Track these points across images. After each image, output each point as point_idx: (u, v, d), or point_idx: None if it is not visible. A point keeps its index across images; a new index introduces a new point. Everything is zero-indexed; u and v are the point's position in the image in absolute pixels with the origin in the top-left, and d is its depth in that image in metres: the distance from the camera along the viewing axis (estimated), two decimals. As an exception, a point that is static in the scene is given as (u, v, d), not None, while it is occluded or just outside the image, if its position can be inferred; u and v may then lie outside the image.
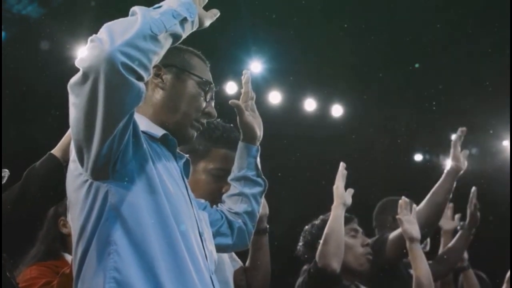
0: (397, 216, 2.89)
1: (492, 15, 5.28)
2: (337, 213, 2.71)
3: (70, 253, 2.43)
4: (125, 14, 1.50)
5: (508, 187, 4.24)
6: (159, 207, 1.56)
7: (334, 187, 2.77)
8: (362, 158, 5.97)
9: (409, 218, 2.85)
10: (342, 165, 2.81)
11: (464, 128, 3.17)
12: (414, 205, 2.98)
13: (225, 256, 2.30)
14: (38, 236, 2.46)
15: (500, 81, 5.08)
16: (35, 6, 5.56)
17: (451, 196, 3.17)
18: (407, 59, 5.89)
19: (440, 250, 3.64)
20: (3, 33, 5.46)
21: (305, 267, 3.66)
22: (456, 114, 5.54)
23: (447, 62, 5.73)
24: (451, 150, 3.16)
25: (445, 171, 3.18)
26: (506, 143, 6.16)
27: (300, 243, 3.05)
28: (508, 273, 3.38)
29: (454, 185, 3.15)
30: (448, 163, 3.20)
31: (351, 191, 2.80)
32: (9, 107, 4.91)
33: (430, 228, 3.19)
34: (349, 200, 2.77)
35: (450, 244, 3.53)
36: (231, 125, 2.28)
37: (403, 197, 2.96)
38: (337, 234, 2.66)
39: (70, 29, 5.24)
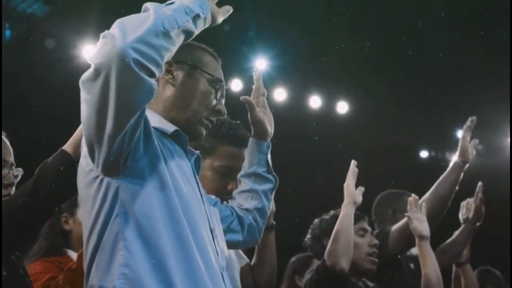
0: (406, 214, 2.88)
1: (496, 12, 5.28)
2: (347, 212, 2.69)
3: (73, 249, 2.45)
4: (130, 11, 1.50)
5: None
6: (170, 203, 1.56)
7: (345, 185, 2.74)
8: (367, 155, 5.96)
9: (418, 216, 2.85)
10: (353, 163, 2.76)
11: (474, 118, 3.14)
12: (424, 203, 2.97)
13: (232, 253, 2.30)
14: (41, 232, 2.46)
15: (507, 77, 5.06)
16: (40, 4, 5.57)
17: (457, 188, 3.15)
18: (412, 56, 5.87)
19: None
20: (8, 31, 5.48)
21: (293, 259, 3.66)
22: (462, 111, 5.52)
23: (453, 58, 5.71)
24: (460, 141, 3.14)
25: (452, 162, 3.16)
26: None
27: (308, 236, 3.04)
28: None
29: (461, 177, 3.13)
30: (455, 155, 3.18)
31: (361, 189, 2.75)
32: (15, 105, 4.92)
33: (433, 220, 3.18)
34: (359, 199, 2.73)
35: (453, 237, 3.53)
36: (238, 122, 2.27)
37: (412, 195, 2.95)
38: (346, 233, 2.64)
39: (75, 27, 5.25)
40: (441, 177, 3.17)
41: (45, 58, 5.26)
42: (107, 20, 1.45)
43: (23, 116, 4.98)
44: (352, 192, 2.71)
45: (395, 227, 3.19)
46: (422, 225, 2.82)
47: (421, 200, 3.14)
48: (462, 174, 3.14)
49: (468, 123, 3.15)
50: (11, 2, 5.43)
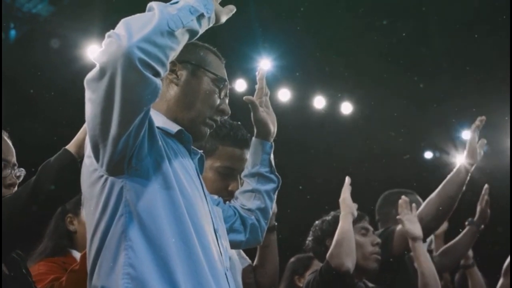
0: (398, 217, 2.90)
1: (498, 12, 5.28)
2: (346, 222, 2.71)
3: (77, 249, 2.45)
4: (135, 11, 1.50)
5: None
6: (174, 203, 1.56)
7: (341, 199, 2.79)
8: (371, 155, 5.97)
9: (410, 217, 2.86)
10: (348, 179, 2.83)
11: (483, 117, 3.10)
12: (414, 204, 2.97)
13: (234, 253, 2.30)
14: (46, 233, 2.46)
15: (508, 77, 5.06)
16: (45, 5, 5.58)
17: (464, 189, 3.13)
18: (417, 56, 5.87)
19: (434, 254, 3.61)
20: (13, 31, 5.50)
21: (292, 259, 3.66)
22: (467, 111, 5.51)
23: (458, 59, 5.71)
24: (468, 141, 3.11)
25: (459, 163, 3.13)
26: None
27: (310, 238, 3.04)
28: (505, 264, 3.36)
29: (468, 178, 3.11)
30: (463, 155, 3.15)
31: (355, 206, 2.80)
32: (20, 105, 4.93)
33: (440, 221, 3.17)
34: (355, 213, 2.78)
35: (456, 239, 3.51)
36: (239, 123, 2.27)
37: (402, 197, 2.96)
38: (348, 239, 2.66)
39: (80, 27, 5.26)
40: (448, 177, 3.14)
41: (49, 58, 5.27)
42: (112, 20, 1.45)
43: (27, 116, 4.99)
44: (349, 204, 2.75)
45: (399, 227, 3.18)
46: (414, 226, 2.85)
47: (427, 200, 3.14)
48: (469, 175, 3.12)
49: (477, 122, 3.11)
50: (16, 2, 5.44)
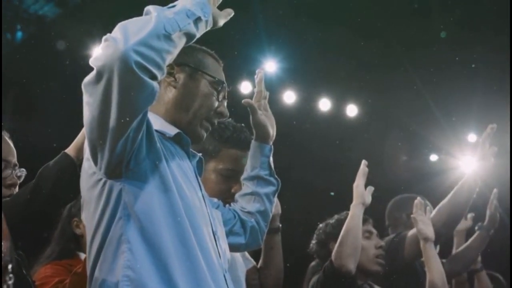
0: (412, 216, 2.88)
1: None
2: (355, 213, 2.70)
3: (84, 252, 2.45)
4: (140, 14, 1.51)
5: None
6: (173, 205, 1.56)
7: (354, 185, 2.75)
8: (376, 158, 5.94)
9: (423, 218, 2.85)
10: (363, 163, 2.77)
11: (494, 125, 3.09)
12: (428, 207, 2.97)
13: (238, 255, 2.30)
14: (53, 236, 2.49)
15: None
16: (51, 6, 5.61)
17: (474, 196, 3.12)
18: (423, 58, 5.85)
19: (454, 251, 3.61)
20: (20, 33, 5.52)
21: (312, 263, 3.66)
22: (472, 114, 5.50)
23: (463, 61, 5.69)
24: (479, 148, 3.09)
25: (470, 170, 3.12)
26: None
27: (313, 241, 3.05)
28: None
29: (479, 185, 3.10)
30: (472, 161, 3.14)
31: (371, 189, 2.76)
32: (24, 107, 4.95)
33: (450, 227, 3.16)
34: (368, 199, 2.75)
35: (466, 244, 3.51)
36: (242, 125, 2.27)
37: (418, 198, 2.95)
38: (354, 234, 2.65)
39: (86, 29, 5.28)
40: (459, 184, 3.13)
41: (55, 60, 5.29)
42: (118, 22, 1.46)
43: (32, 117, 5.01)
44: (361, 192, 2.72)
45: (411, 232, 3.17)
46: (427, 228, 2.84)
47: (438, 206, 3.14)
48: (480, 182, 3.11)
49: (488, 130, 3.09)
50: (23, 3, 5.47)
